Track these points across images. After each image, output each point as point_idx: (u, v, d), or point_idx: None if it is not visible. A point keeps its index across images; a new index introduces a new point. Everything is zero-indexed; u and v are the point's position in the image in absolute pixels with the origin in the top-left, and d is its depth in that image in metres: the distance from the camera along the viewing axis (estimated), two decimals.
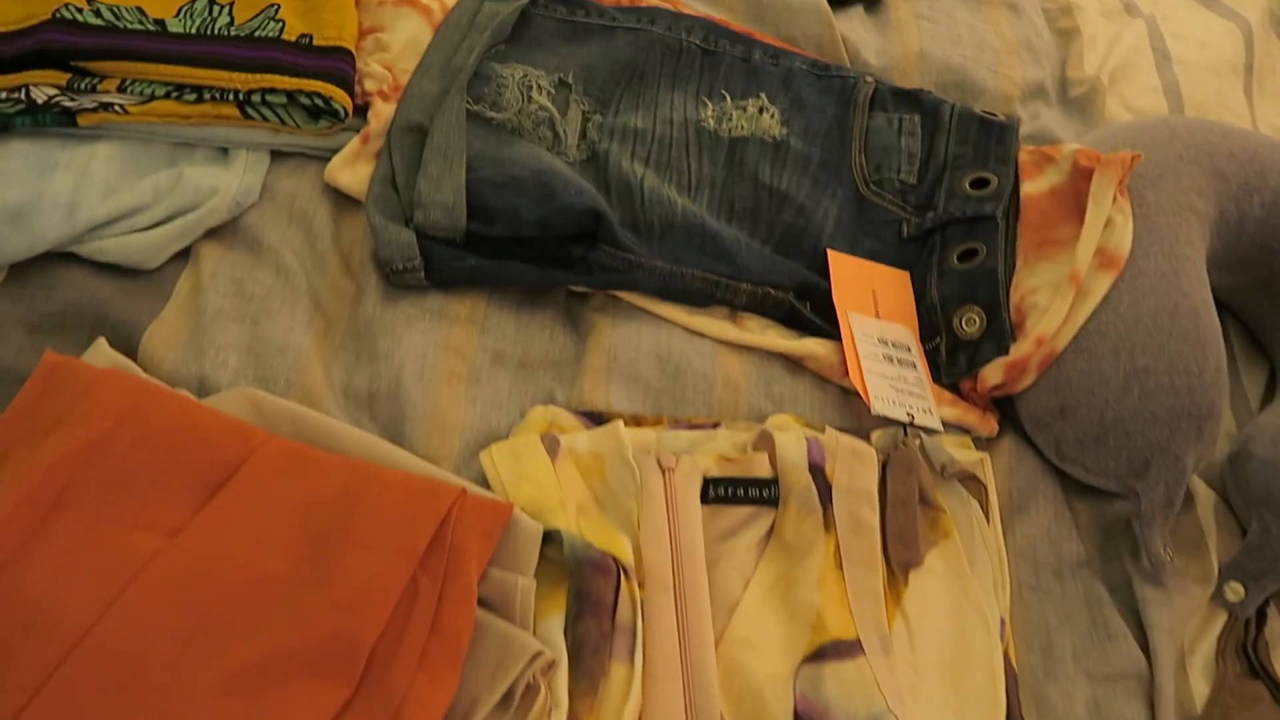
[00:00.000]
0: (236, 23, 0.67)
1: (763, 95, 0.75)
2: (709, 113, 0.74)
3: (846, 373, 0.62)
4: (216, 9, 0.68)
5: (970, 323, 0.64)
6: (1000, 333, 0.63)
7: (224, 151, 0.65)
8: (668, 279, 0.64)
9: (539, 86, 0.71)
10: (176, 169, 0.62)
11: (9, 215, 0.57)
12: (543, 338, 0.62)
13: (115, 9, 0.66)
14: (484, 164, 0.65)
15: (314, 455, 0.52)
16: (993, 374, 0.62)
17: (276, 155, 0.66)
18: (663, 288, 0.64)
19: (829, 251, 0.68)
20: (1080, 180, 0.65)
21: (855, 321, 0.64)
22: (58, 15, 0.63)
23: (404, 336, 0.59)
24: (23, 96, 0.61)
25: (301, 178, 0.65)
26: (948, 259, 0.68)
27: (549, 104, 0.70)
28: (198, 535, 0.48)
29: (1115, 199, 0.61)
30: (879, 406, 0.60)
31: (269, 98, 0.64)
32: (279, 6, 0.69)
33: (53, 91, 0.61)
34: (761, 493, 0.56)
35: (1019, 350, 0.61)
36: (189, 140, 0.64)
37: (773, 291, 0.65)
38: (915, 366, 0.64)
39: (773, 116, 0.74)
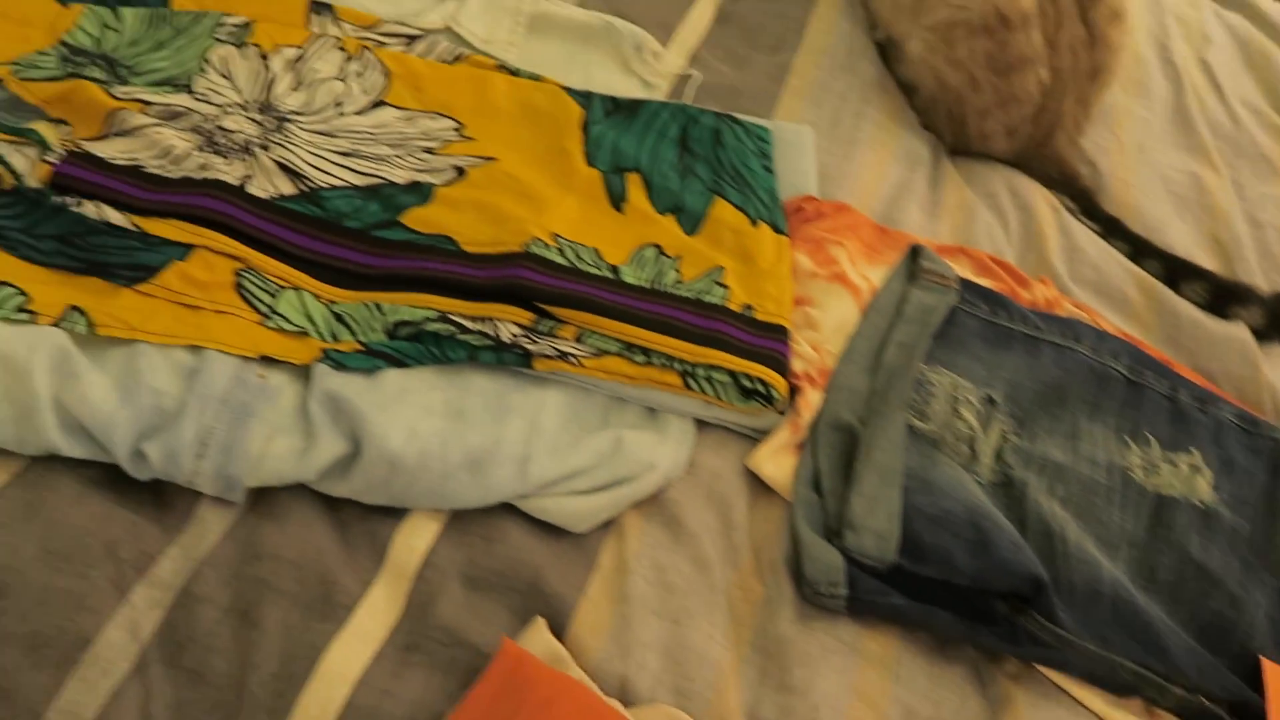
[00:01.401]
0: (684, 279, 0.69)
1: (1194, 451, 0.72)
2: (1135, 459, 0.71)
3: None
4: (666, 262, 0.70)
5: None
6: None
7: (650, 411, 0.66)
8: (1097, 665, 0.60)
9: (968, 402, 0.70)
10: (615, 433, 0.63)
11: (469, 461, 0.59)
12: (954, 699, 0.60)
13: (576, 248, 0.69)
14: (914, 487, 0.63)
15: None
16: None
17: (700, 424, 0.67)
18: (1090, 673, 0.60)
19: (1264, 662, 0.63)
20: None
21: None
22: (529, 250, 0.67)
23: (819, 672, 0.58)
24: (491, 333, 0.64)
25: (724, 455, 0.66)
26: None
27: (974, 422, 0.69)
28: None
29: None
30: None
31: (713, 374, 0.65)
32: (724, 270, 0.70)
33: (517, 331, 0.64)
34: None
35: None
36: (624, 396, 0.65)
37: (1206, 702, 0.61)
38: None
39: (1206, 480, 0.70)
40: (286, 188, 0.68)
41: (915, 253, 0.78)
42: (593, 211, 0.73)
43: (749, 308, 0.69)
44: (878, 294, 0.75)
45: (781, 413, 0.67)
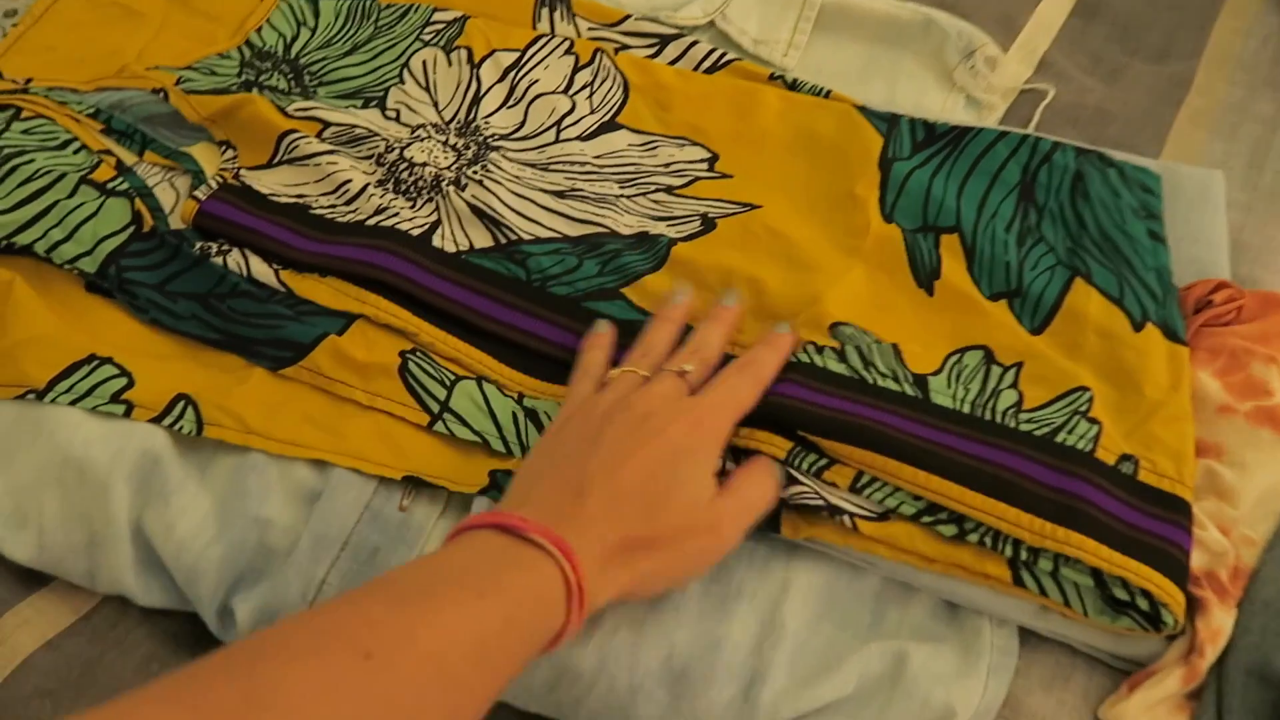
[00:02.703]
0: (1026, 404, 0.46)
1: None
2: None
3: None
4: (998, 373, 0.47)
5: None
6: None
7: (950, 607, 0.44)
8: None
9: None
10: (894, 646, 0.42)
11: (670, 674, 0.40)
12: None
13: (868, 348, 0.48)
14: None
15: None
16: None
17: (1026, 636, 0.44)
18: None
19: None
20: None
21: None
22: (795, 359, 0.46)
23: None
24: (729, 468, 0.44)
25: (1062, 697, 0.43)
26: None
27: None
28: None
29: None
30: None
31: (1064, 568, 0.42)
32: (1090, 394, 0.46)
33: None
34: None
35: None
36: (912, 581, 0.44)
37: None
38: None
39: None
40: (480, 239, 0.52)
41: None
42: (889, 289, 0.51)
43: (1129, 461, 0.45)
44: None
45: (1172, 638, 0.43)
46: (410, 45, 0.59)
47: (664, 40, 0.61)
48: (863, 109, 0.58)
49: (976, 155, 0.57)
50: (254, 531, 0.41)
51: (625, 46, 0.61)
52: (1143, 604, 0.41)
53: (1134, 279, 0.51)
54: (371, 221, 0.51)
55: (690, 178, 0.56)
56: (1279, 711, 0.41)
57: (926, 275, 0.52)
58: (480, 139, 0.56)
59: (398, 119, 0.56)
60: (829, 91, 0.60)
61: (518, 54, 0.59)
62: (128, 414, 0.43)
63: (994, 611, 0.43)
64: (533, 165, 0.55)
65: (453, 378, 0.48)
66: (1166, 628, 0.42)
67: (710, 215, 0.54)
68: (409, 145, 0.54)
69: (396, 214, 0.52)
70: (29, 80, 0.55)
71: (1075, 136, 0.60)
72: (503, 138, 0.56)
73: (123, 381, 0.44)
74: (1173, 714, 0.42)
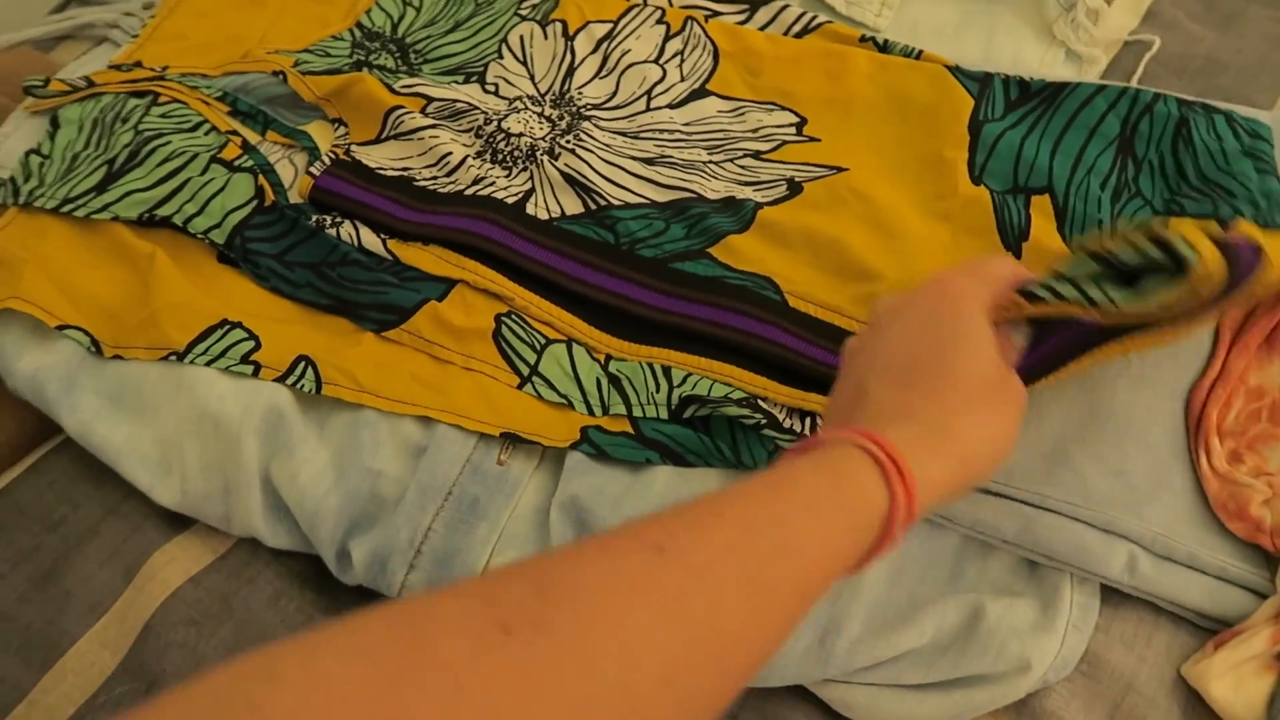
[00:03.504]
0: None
1: None
2: None
3: None
4: None
5: None
6: None
7: (1030, 566, 0.45)
8: None
9: None
10: (971, 600, 0.43)
11: None
12: None
13: None
14: None
15: None
16: None
17: (1108, 595, 0.44)
18: None
19: None
20: None
21: None
22: None
23: None
24: (809, 434, 0.46)
25: (1143, 654, 0.43)
26: None
27: None
28: None
29: None
30: None
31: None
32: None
33: None
34: None
35: None
36: (995, 537, 0.45)
37: None
38: None
39: None
40: (571, 205, 0.55)
41: None
42: (975, 253, 0.52)
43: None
44: None
45: (1213, 303, 0.36)
46: (508, 20, 0.62)
47: (755, 5, 0.62)
48: (955, 69, 0.58)
49: (1074, 110, 0.56)
50: (367, 481, 0.46)
51: (716, 13, 0.62)
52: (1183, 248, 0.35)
53: (1232, 201, 0.50)
54: (470, 191, 0.55)
55: (778, 142, 0.57)
56: None
57: (1015, 237, 0.52)
58: (574, 109, 0.58)
59: (496, 92, 0.59)
60: (920, 52, 0.60)
61: (611, 24, 0.61)
62: (256, 374, 0.48)
63: (1077, 568, 0.44)
64: (623, 134, 0.58)
65: (543, 341, 0.51)
66: (1190, 264, 0.35)
67: (797, 179, 0.55)
68: (506, 117, 0.57)
69: (493, 183, 0.55)
70: (165, 68, 0.61)
71: (1182, 89, 0.59)
72: (595, 107, 0.59)
73: (251, 344, 0.49)
74: (1259, 674, 0.42)
